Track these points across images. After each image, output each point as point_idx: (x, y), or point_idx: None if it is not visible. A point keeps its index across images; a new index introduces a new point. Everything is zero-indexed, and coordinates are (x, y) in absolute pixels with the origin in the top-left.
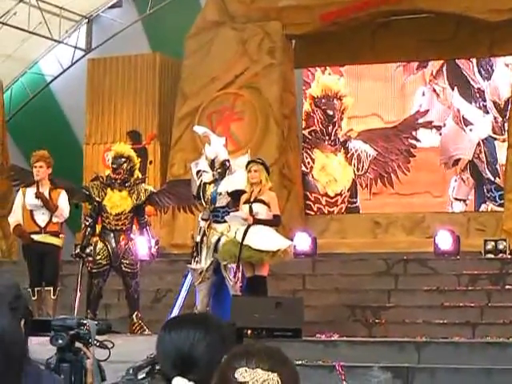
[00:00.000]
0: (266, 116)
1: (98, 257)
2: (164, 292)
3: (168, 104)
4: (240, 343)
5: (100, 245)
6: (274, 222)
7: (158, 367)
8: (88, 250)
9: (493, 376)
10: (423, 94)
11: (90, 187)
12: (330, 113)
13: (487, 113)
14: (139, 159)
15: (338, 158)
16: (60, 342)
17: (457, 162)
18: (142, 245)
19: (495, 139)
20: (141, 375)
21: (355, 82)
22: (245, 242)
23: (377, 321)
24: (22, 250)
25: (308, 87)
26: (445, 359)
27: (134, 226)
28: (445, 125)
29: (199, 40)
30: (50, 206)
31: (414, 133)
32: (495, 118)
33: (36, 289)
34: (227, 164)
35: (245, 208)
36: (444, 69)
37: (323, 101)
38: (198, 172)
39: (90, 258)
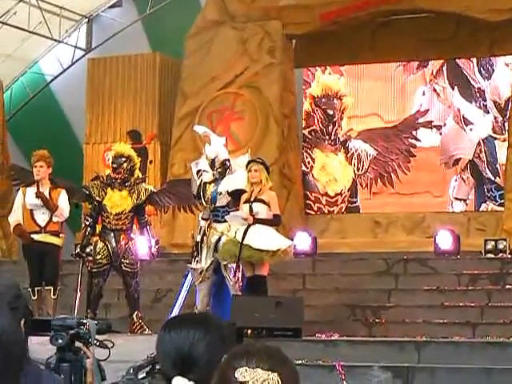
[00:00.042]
0: (266, 115)
1: (98, 256)
2: (164, 292)
3: (168, 104)
4: (240, 343)
5: (100, 244)
6: (274, 222)
7: (158, 367)
8: (88, 250)
9: (493, 376)
10: (423, 94)
11: (90, 187)
12: (330, 112)
13: (487, 112)
14: (139, 159)
15: (338, 158)
16: (60, 341)
17: (457, 161)
18: (142, 244)
19: (495, 139)
20: (141, 375)
21: (355, 82)
22: (245, 242)
23: (377, 320)
24: (22, 250)
25: (308, 87)
26: (445, 359)
27: (134, 226)
28: (445, 124)
29: (199, 40)
30: (50, 205)
31: (414, 132)
32: (495, 118)
33: (36, 288)
34: (227, 164)
35: (245, 208)
36: (444, 68)
37: (323, 100)
38: (199, 172)
39: (90, 258)
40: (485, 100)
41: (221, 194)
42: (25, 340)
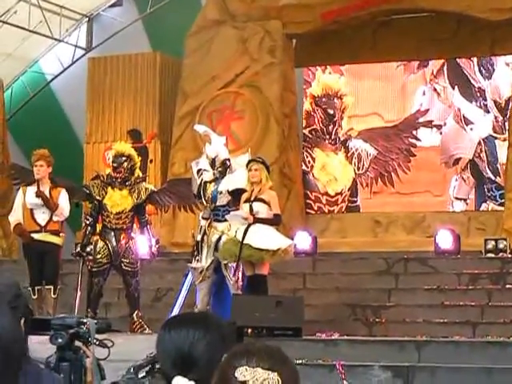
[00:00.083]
0: (266, 115)
1: (99, 256)
2: (164, 291)
3: (168, 103)
4: (240, 342)
5: (100, 243)
6: (275, 221)
7: (158, 366)
8: (88, 249)
9: (493, 375)
10: (424, 93)
11: (91, 186)
12: (331, 112)
13: (488, 112)
14: (140, 158)
15: (339, 157)
16: (60, 340)
17: (457, 161)
18: (142, 244)
19: (496, 138)
20: (141, 374)
21: (356, 81)
22: (245, 241)
23: (377, 320)
24: (23, 249)
25: (308, 86)
26: (445, 358)
27: (134, 225)
28: (445, 124)
29: (200, 39)
30: (50, 204)
31: (414, 132)
32: (496, 117)
33: (36, 288)
34: (228, 163)
35: (245, 207)
36: (445, 68)
37: (324, 100)
38: (199, 171)
39: (91, 257)
40: (485, 99)
41: (221, 193)
42: (25, 339)
